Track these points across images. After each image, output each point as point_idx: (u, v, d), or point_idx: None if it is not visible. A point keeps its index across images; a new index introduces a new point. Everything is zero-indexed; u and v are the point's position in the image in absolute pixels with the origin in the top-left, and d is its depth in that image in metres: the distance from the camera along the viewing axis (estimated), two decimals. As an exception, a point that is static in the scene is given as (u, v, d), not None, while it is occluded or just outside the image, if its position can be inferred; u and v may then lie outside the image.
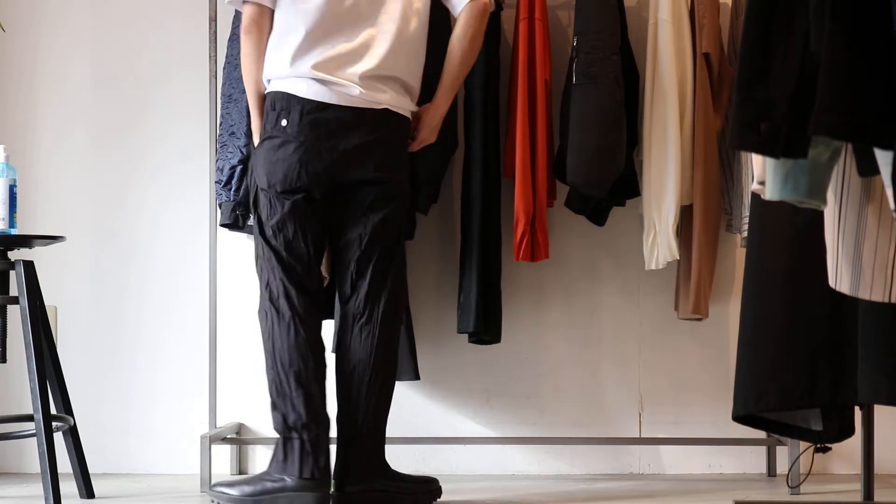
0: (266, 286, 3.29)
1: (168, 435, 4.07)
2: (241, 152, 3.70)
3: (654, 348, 4.02)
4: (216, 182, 3.77)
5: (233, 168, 3.71)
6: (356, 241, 3.31)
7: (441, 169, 3.79)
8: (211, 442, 3.73)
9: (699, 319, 3.82)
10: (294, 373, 3.22)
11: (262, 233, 3.29)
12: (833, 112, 1.93)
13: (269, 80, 3.27)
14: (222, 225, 3.78)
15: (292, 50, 3.22)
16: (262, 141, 3.27)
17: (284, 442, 3.23)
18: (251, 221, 3.47)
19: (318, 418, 3.23)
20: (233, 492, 3.26)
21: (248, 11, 3.27)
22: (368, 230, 3.30)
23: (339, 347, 3.35)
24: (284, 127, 3.21)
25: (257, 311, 3.33)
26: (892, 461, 3.96)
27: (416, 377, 3.76)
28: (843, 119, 1.93)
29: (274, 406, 3.26)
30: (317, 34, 3.22)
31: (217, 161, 3.76)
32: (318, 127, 3.20)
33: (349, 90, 3.22)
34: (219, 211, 3.80)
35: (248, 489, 3.24)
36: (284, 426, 3.23)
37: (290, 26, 3.23)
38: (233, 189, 3.72)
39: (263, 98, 3.28)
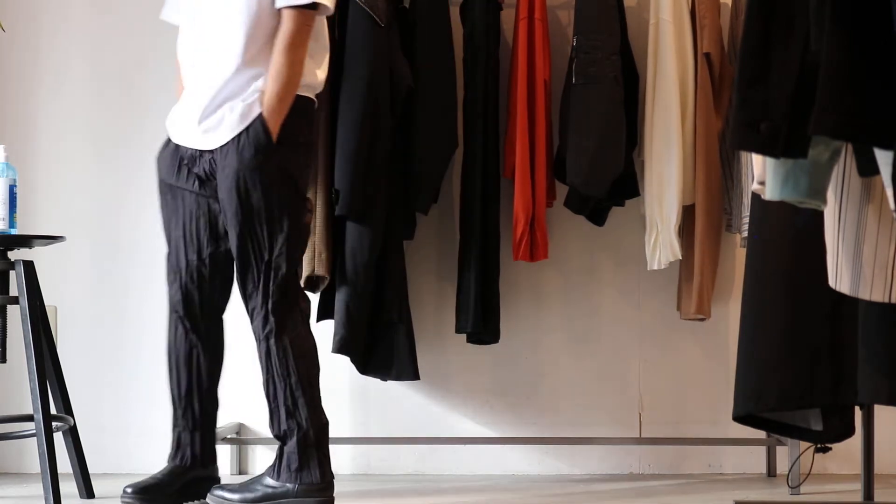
0: (294, 293, 3.17)
1: (168, 435, 4.05)
2: (242, 152, 3.72)
3: (654, 348, 4.02)
4: (216, 182, 3.77)
5: (233, 168, 3.72)
6: None
7: (441, 169, 3.79)
8: (211, 442, 3.73)
9: (702, 320, 3.82)
10: (317, 375, 3.18)
11: (302, 236, 3.25)
12: (833, 112, 1.93)
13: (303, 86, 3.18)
14: (222, 225, 3.78)
15: (320, 57, 3.21)
16: (301, 144, 3.17)
17: (301, 450, 3.12)
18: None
19: (326, 420, 3.21)
20: (233, 496, 3.24)
21: (311, 16, 3.11)
22: None
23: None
24: (313, 133, 3.26)
25: (282, 314, 3.14)
26: (892, 461, 3.96)
27: (416, 377, 3.76)
28: (843, 119, 1.93)
29: (289, 414, 3.11)
30: None
31: (217, 161, 3.76)
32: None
33: None
34: (219, 211, 3.80)
35: (249, 496, 3.21)
36: (304, 435, 3.11)
37: (319, 36, 3.21)
38: (233, 189, 3.73)
39: None
